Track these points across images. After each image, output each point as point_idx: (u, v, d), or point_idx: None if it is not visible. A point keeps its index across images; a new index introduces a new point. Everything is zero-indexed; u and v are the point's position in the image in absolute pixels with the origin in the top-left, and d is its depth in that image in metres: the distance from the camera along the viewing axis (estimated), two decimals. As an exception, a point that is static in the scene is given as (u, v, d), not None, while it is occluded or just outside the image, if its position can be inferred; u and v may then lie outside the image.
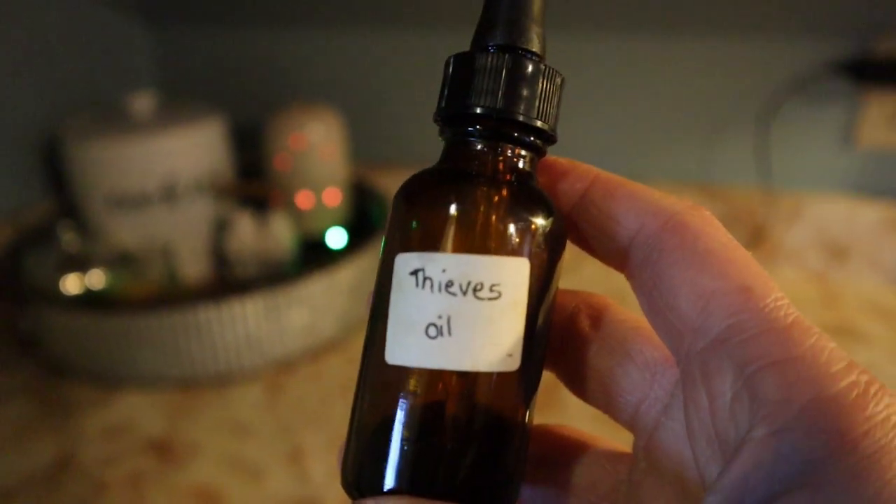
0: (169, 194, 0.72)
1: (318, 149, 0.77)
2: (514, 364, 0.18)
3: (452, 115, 0.19)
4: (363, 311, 0.76)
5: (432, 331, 0.17)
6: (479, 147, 0.19)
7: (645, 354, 0.20)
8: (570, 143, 0.85)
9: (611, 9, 0.78)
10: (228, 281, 0.76)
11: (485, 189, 0.18)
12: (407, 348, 0.18)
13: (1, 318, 0.74)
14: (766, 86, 0.76)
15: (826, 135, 0.78)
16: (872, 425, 0.13)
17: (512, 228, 0.18)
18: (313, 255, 0.77)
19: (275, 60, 0.93)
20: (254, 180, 0.82)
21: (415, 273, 0.18)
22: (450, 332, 0.17)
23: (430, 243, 0.18)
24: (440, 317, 0.17)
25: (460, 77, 0.19)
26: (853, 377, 0.14)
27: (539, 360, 0.19)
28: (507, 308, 0.17)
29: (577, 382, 0.21)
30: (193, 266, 0.77)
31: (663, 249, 0.17)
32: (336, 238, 0.81)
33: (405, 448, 0.18)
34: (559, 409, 0.56)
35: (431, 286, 0.17)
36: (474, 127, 0.19)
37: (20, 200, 0.81)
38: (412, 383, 0.18)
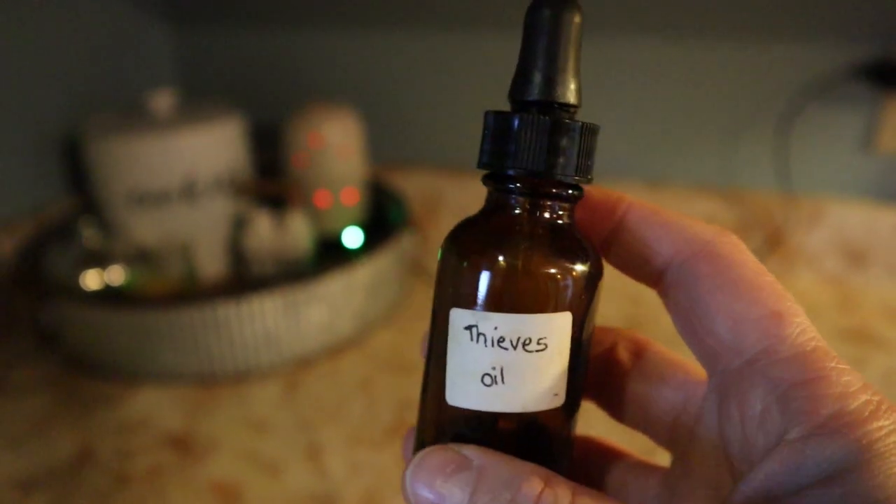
0: (188, 192, 0.73)
1: (335, 148, 0.77)
2: (559, 401, 0.20)
3: (494, 173, 0.21)
4: (380, 310, 0.76)
5: (487, 380, 0.19)
6: (521, 203, 0.20)
7: (678, 378, 0.22)
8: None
9: (631, 11, 0.78)
10: (246, 279, 0.77)
11: (530, 250, 0.20)
12: (466, 394, 0.20)
13: (22, 312, 0.74)
14: (786, 89, 0.76)
15: (846, 139, 0.77)
16: (884, 433, 0.16)
17: (556, 286, 0.20)
18: (330, 254, 0.78)
19: (294, 60, 0.94)
20: (272, 179, 0.82)
21: (469, 328, 0.20)
22: (503, 381, 0.19)
23: (481, 300, 0.20)
24: (494, 368, 0.19)
25: (501, 135, 0.20)
26: (867, 396, 0.17)
27: (580, 388, 0.21)
28: (553, 356, 0.20)
29: (617, 408, 0.24)
30: (212, 263, 0.78)
31: (698, 276, 0.19)
32: (353, 237, 0.81)
33: None
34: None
35: (485, 341, 0.19)
36: (515, 185, 0.20)
37: (42, 196, 0.81)
38: (470, 422, 0.20)
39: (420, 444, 0.22)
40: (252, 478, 0.54)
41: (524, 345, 0.19)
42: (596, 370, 0.24)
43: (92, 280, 0.72)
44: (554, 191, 0.20)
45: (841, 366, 0.17)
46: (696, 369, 0.22)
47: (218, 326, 0.63)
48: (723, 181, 0.83)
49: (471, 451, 0.19)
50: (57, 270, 0.72)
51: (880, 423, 0.16)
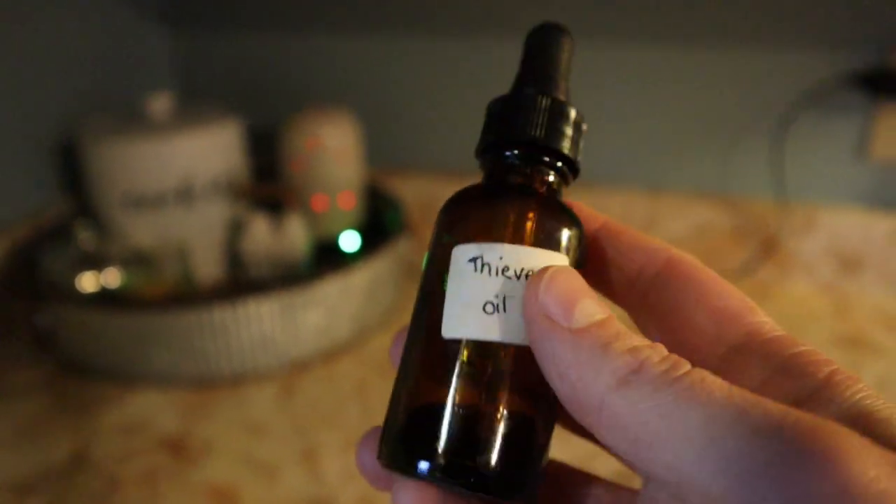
0: (185, 195, 0.73)
1: (333, 152, 0.77)
2: None
3: (492, 144, 0.23)
4: (377, 315, 0.76)
5: (489, 308, 0.20)
6: (518, 168, 0.22)
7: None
8: (589, 154, 0.85)
9: (626, 19, 0.78)
10: (243, 282, 0.77)
11: (533, 195, 0.22)
12: (465, 323, 0.20)
13: (18, 314, 0.74)
14: (780, 97, 0.76)
15: (840, 147, 0.78)
16: (871, 392, 0.18)
17: (555, 229, 0.21)
18: (327, 258, 0.78)
19: (292, 64, 0.94)
20: (269, 183, 0.82)
21: (473, 260, 0.20)
22: (505, 310, 0.20)
23: (486, 237, 0.21)
24: (497, 296, 0.20)
25: (500, 114, 0.23)
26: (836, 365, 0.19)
27: None
28: None
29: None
30: (208, 267, 0.78)
31: (671, 278, 0.21)
32: (350, 241, 0.81)
33: (458, 413, 0.19)
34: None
35: (489, 270, 0.20)
36: (512, 152, 0.22)
37: (38, 199, 0.81)
38: (466, 355, 0.20)
39: (396, 410, 0.21)
40: (248, 481, 0.54)
41: (527, 276, 0.20)
42: None
43: (88, 282, 0.72)
44: (547, 159, 0.22)
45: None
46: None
47: (214, 329, 0.63)
48: (718, 188, 0.83)
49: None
50: (53, 273, 0.72)
51: (863, 384, 0.18)
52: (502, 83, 0.24)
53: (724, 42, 0.77)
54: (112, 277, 0.72)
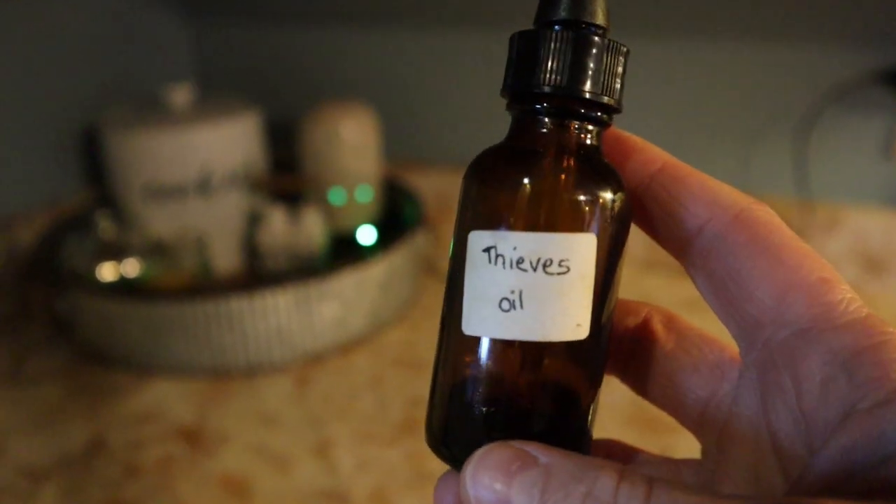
0: (204, 186, 0.73)
1: (351, 146, 0.77)
2: (582, 333, 0.19)
3: (520, 93, 0.20)
4: (393, 308, 0.76)
5: (505, 304, 0.18)
6: (546, 124, 0.20)
7: (714, 354, 0.21)
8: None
9: (650, 13, 0.77)
10: (259, 273, 0.77)
11: (553, 168, 0.19)
12: (482, 320, 0.19)
13: (38, 302, 0.75)
14: (805, 94, 0.75)
15: (866, 145, 0.76)
16: None
17: (579, 206, 0.18)
18: (344, 251, 0.78)
19: (311, 57, 0.94)
20: (287, 175, 0.83)
21: (487, 250, 0.19)
22: (522, 306, 0.18)
23: (502, 221, 0.19)
24: (512, 291, 0.18)
25: (526, 54, 0.19)
26: None
27: (606, 331, 0.20)
28: (576, 281, 0.18)
29: (647, 383, 0.22)
30: (226, 258, 0.78)
31: (736, 241, 0.18)
32: (366, 235, 0.81)
33: (484, 411, 0.19)
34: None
35: (503, 263, 0.18)
36: (542, 104, 0.19)
37: (59, 189, 0.82)
38: (488, 352, 0.19)
39: (435, 392, 0.20)
40: (261, 472, 0.54)
41: (544, 266, 0.18)
42: (628, 343, 0.23)
43: (107, 272, 0.72)
44: (582, 110, 0.19)
45: None
46: (731, 347, 0.21)
47: (231, 320, 0.63)
48: (740, 186, 0.81)
49: (535, 448, 0.17)
50: (73, 262, 0.73)
51: None
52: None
53: (747, 38, 0.76)
54: (131, 267, 0.73)
